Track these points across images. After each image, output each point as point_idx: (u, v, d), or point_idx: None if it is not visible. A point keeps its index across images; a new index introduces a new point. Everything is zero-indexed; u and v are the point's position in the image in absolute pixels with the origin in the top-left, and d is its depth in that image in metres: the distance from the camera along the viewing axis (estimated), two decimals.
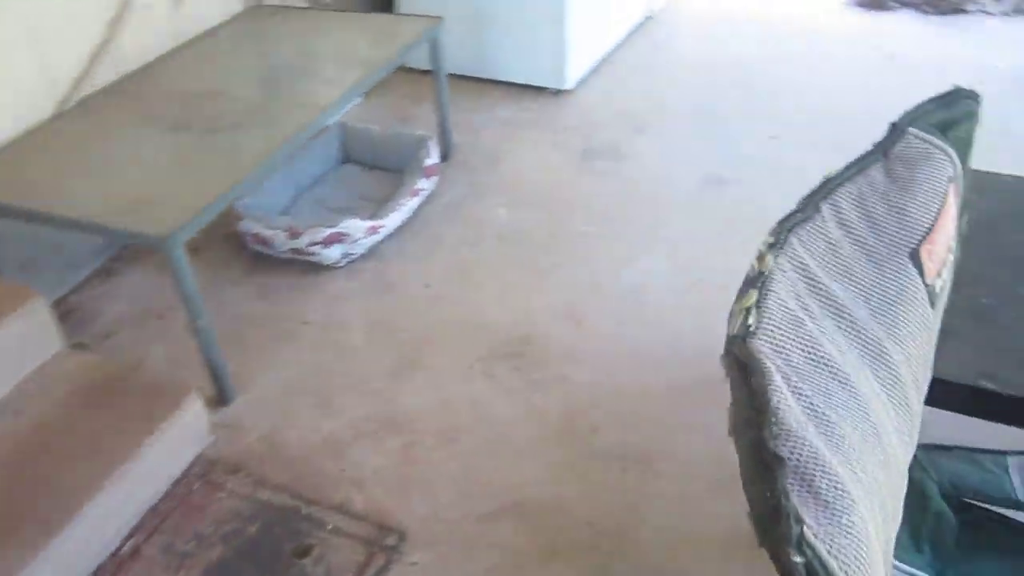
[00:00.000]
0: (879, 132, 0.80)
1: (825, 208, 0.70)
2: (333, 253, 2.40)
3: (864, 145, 0.80)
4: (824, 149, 2.90)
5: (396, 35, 2.67)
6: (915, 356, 0.68)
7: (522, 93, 3.35)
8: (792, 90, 3.32)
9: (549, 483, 1.81)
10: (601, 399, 2.00)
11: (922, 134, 0.77)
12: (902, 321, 0.67)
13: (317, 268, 2.45)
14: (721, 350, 0.58)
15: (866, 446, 0.57)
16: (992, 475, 1.06)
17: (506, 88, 3.38)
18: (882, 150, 0.76)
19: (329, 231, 2.37)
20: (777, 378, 0.52)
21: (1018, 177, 1.66)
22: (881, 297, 0.67)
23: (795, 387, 0.54)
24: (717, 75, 3.47)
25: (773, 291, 0.59)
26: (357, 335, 2.24)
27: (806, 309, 0.61)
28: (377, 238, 2.49)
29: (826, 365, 0.58)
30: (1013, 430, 1.12)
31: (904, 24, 3.84)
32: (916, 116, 0.78)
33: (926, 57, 3.50)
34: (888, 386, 0.64)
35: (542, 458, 1.87)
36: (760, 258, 0.62)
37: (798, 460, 0.49)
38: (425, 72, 2.85)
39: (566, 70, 3.26)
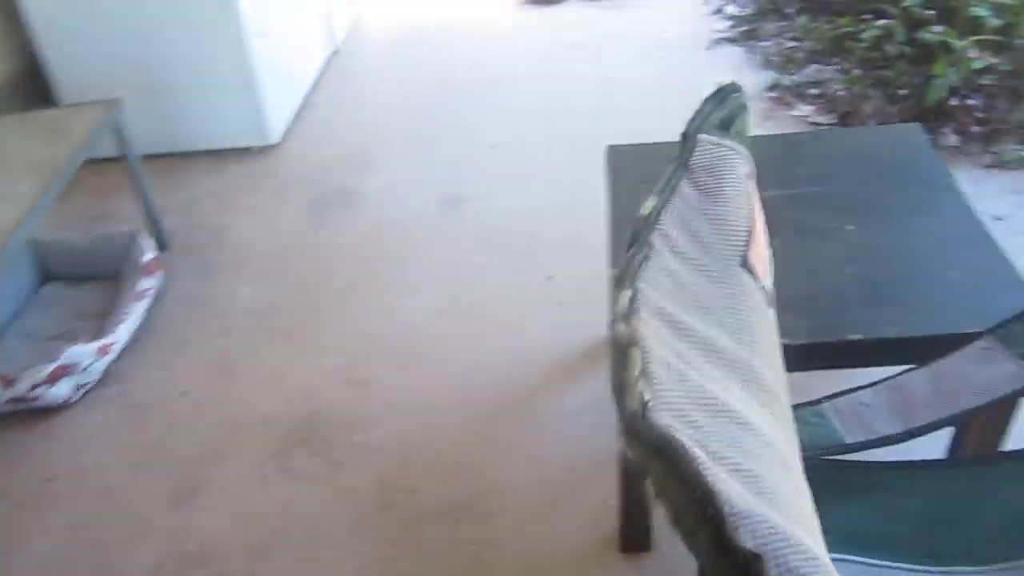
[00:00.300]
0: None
1: (656, 240, 0.69)
2: (62, 390, 2.10)
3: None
4: (542, 147, 3.03)
5: (70, 129, 2.38)
6: (775, 364, 0.69)
7: (226, 159, 3.16)
8: (495, 95, 3.43)
9: (384, 566, 1.70)
10: (409, 456, 1.93)
11: (712, 138, 0.79)
12: (757, 333, 0.67)
13: (48, 412, 2.13)
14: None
15: (788, 486, 0.56)
16: (816, 426, 1.13)
17: (208, 157, 3.16)
18: (683, 163, 0.77)
19: (51, 366, 2.06)
20: (699, 453, 0.49)
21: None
22: (734, 317, 0.67)
23: (714, 453, 0.51)
24: (422, 95, 3.50)
25: (651, 352, 0.56)
26: (118, 475, 1.97)
27: (681, 357, 0.59)
28: (110, 358, 2.22)
29: (724, 414, 0.56)
30: (813, 379, 1.21)
31: (576, 12, 4.12)
32: (700, 122, 0.80)
33: (609, 40, 3.78)
34: (770, 406, 0.64)
35: (368, 541, 1.75)
36: (626, 321, 0.58)
37: (765, 546, 0.45)
38: (113, 159, 2.58)
39: (267, 124, 3.12)
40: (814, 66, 3.23)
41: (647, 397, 0.52)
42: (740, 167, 0.80)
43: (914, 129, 1.82)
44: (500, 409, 2.03)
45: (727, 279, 0.70)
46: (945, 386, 1.16)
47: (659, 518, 1.63)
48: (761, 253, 0.76)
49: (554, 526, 1.73)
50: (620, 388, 0.54)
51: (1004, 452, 1.31)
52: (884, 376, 1.21)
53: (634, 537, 1.63)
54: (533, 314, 2.29)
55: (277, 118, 3.17)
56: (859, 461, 1.15)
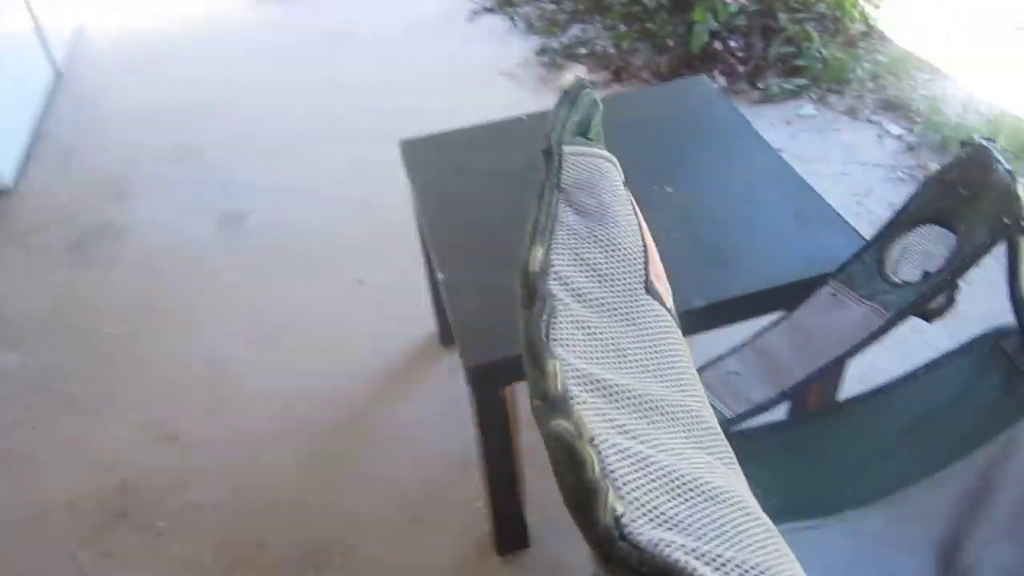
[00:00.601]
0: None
1: (554, 289, 0.61)
2: None
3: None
4: (319, 145, 2.88)
5: None
6: (700, 391, 0.63)
7: None
8: (254, 97, 3.22)
9: None
10: (247, 506, 1.76)
11: (577, 149, 0.71)
12: (678, 365, 0.62)
13: None
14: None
15: (758, 530, 0.51)
16: None
17: None
18: (554, 184, 0.68)
19: None
20: (693, 562, 0.42)
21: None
22: (655, 356, 0.61)
23: (704, 555, 0.45)
24: (172, 108, 3.21)
25: (601, 443, 0.48)
26: None
27: (627, 432, 0.52)
28: None
29: (694, 492, 0.50)
30: None
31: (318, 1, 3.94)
32: (559, 132, 0.72)
33: (365, 26, 3.65)
34: (716, 448, 0.58)
35: None
36: (564, 412, 0.50)
37: None
38: None
39: None
40: (578, 26, 3.30)
41: (619, 510, 0.45)
42: (615, 175, 0.74)
43: (700, 81, 1.88)
44: (335, 434, 1.90)
45: (637, 314, 0.63)
46: (805, 341, 1.20)
47: (533, 512, 1.59)
48: (660, 270, 0.70)
49: (424, 543, 1.65)
50: (578, 499, 0.46)
51: (842, 402, 1.34)
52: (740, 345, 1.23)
53: (511, 537, 1.58)
54: (348, 324, 2.17)
55: (3, 158, 2.78)
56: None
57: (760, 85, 2.88)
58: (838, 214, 1.45)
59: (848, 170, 2.59)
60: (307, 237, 2.47)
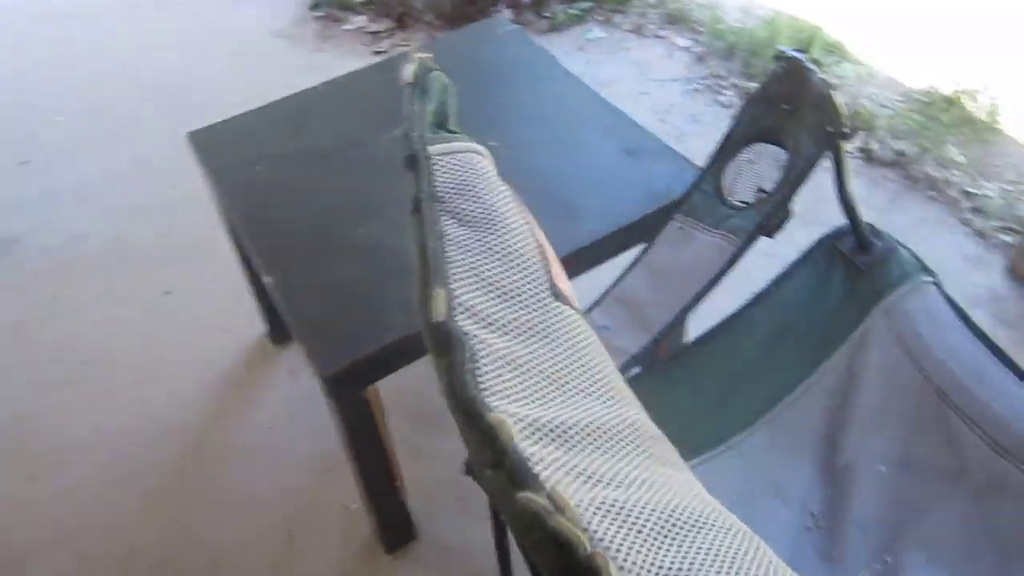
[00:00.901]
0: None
1: (465, 324, 0.54)
2: None
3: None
4: (79, 147, 2.59)
5: None
6: (624, 392, 0.59)
7: None
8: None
9: None
10: (98, 567, 1.60)
11: (443, 147, 0.64)
12: (608, 376, 0.57)
13: None
14: None
15: (747, 546, 0.48)
16: None
17: None
18: (430, 195, 0.61)
19: None
20: None
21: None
22: (585, 373, 0.56)
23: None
24: None
25: (578, 507, 0.43)
26: None
27: (592, 476, 0.47)
28: None
29: (680, 527, 0.46)
30: None
31: None
32: (420, 130, 0.64)
33: None
34: (670, 459, 0.55)
35: None
36: (531, 485, 0.44)
37: None
38: None
39: None
40: None
41: (586, 546, 0.40)
42: (488, 169, 0.67)
43: (500, 22, 1.84)
44: (180, 464, 1.76)
45: (552, 326, 0.57)
46: (664, 280, 1.20)
47: (413, 500, 1.55)
48: (559, 268, 0.65)
49: (306, 560, 1.57)
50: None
51: (692, 343, 1.36)
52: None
53: (397, 533, 1.53)
54: (165, 342, 1.99)
55: None
56: None
57: (546, 14, 2.88)
58: (665, 144, 1.47)
59: (646, 88, 2.65)
60: (96, 253, 2.23)
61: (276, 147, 1.56)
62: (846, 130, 1.15)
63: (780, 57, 1.23)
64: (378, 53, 2.79)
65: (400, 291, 1.27)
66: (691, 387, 1.23)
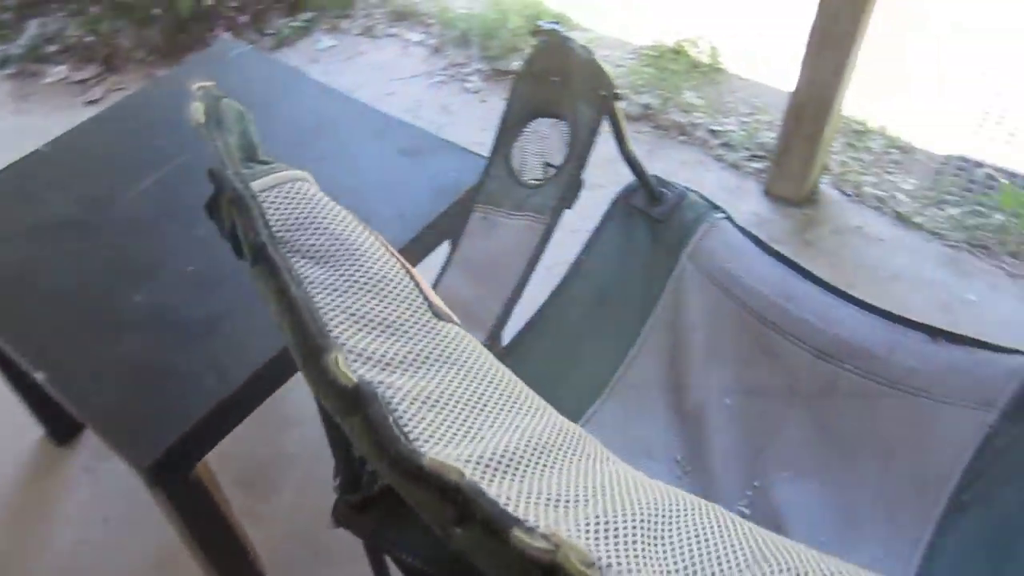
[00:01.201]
0: None
1: (366, 372, 0.49)
2: None
3: None
4: None
5: None
6: (532, 398, 0.56)
7: None
8: None
9: None
10: None
11: (263, 182, 0.57)
12: (508, 385, 0.53)
13: None
14: None
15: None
16: None
17: None
18: (269, 242, 0.52)
19: None
20: None
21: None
22: (494, 393, 0.51)
23: None
24: None
25: (568, 535, 0.39)
26: None
27: (549, 500, 0.43)
28: None
29: (653, 524, 0.43)
30: None
31: None
32: (234, 167, 0.56)
33: None
34: (589, 447, 0.51)
35: None
36: (525, 531, 0.39)
37: None
38: None
39: None
40: (34, 21, 2.83)
41: None
42: (316, 193, 0.61)
43: (228, 45, 1.74)
44: None
45: (448, 352, 0.53)
46: (480, 273, 1.18)
47: (270, 568, 1.44)
48: (424, 283, 0.60)
49: None
50: None
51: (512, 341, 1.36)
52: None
53: None
54: None
55: None
56: None
57: (269, 31, 2.77)
58: (440, 139, 1.46)
59: (390, 88, 2.63)
60: None
61: (8, 226, 1.38)
62: (617, 91, 1.19)
63: (538, 32, 1.25)
64: (92, 103, 2.55)
65: (199, 352, 1.17)
66: (532, 373, 1.23)
